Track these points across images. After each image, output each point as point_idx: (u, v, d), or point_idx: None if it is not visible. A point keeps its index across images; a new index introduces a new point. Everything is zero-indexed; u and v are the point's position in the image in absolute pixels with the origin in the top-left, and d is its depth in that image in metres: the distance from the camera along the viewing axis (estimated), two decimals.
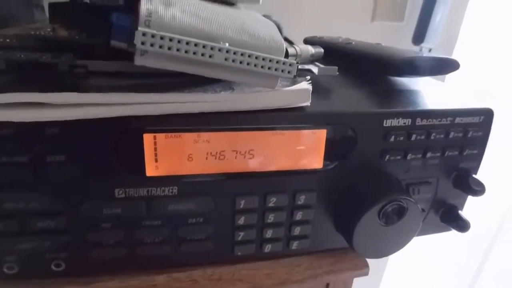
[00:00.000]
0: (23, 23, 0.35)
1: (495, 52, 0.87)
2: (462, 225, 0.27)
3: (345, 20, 0.74)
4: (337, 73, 0.26)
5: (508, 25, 0.84)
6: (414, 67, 0.26)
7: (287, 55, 0.27)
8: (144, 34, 0.14)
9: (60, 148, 0.19)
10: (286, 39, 0.58)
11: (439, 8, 0.72)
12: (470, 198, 0.28)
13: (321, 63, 0.29)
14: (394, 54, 0.28)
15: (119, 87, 0.20)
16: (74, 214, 0.21)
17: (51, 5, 0.23)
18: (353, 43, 0.34)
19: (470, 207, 0.29)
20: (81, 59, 0.21)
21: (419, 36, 0.75)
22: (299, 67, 0.26)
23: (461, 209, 0.28)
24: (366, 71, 0.30)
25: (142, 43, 0.14)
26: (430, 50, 0.78)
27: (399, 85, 0.29)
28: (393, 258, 1.00)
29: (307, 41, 0.42)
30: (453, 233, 0.29)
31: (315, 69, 0.26)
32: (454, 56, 0.84)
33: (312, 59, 0.29)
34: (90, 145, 0.20)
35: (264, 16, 0.51)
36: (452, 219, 0.27)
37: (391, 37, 0.78)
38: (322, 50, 0.30)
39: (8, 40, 0.21)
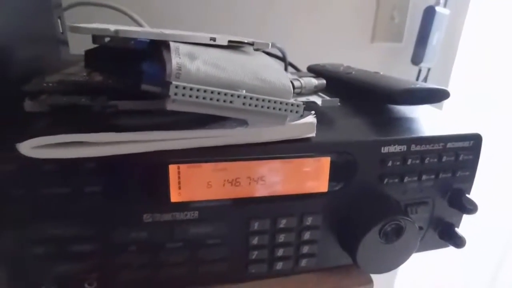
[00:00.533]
0: (50, 59, 0.39)
1: (493, 69, 0.90)
2: (458, 242, 0.29)
3: (346, 41, 0.77)
4: (339, 104, 0.29)
5: (504, 42, 0.87)
6: (409, 97, 0.29)
7: (293, 88, 0.30)
8: (177, 86, 0.17)
9: (96, 180, 0.22)
10: (290, 64, 0.62)
11: (436, 29, 0.75)
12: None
13: (324, 91, 0.32)
14: (391, 85, 0.31)
15: (147, 125, 0.22)
16: (107, 237, 0.24)
17: (86, 52, 0.26)
18: (353, 72, 0.37)
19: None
20: (112, 100, 0.24)
21: (417, 56, 0.78)
22: (305, 99, 0.29)
23: (458, 227, 0.30)
24: (366, 99, 0.33)
25: (175, 94, 0.17)
26: (429, 70, 0.81)
27: (396, 113, 0.32)
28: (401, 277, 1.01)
29: (310, 69, 0.45)
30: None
31: (318, 101, 0.29)
32: (453, 73, 0.87)
33: (316, 90, 0.32)
34: (122, 176, 0.22)
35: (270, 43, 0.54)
36: (449, 236, 0.30)
37: (390, 57, 0.81)
38: (324, 81, 0.32)
39: (50, 85, 0.24)
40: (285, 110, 0.20)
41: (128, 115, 0.24)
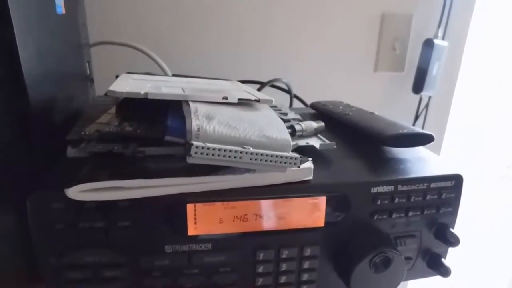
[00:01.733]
0: (81, 101, 0.44)
1: (492, 96, 0.93)
2: (444, 271, 0.32)
3: (350, 70, 0.82)
4: (335, 147, 0.33)
5: (502, 70, 0.90)
6: (397, 141, 0.33)
7: (294, 131, 0.34)
8: (196, 147, 0.21)
9: (127, 216, 0.26)
10: (296, 97, 0.66)
11: (435, 60, 0.79)
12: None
13: (323, 132, 0.36)
14: (383, 129, 0.34)
15: (170, 169, 0.27)
16: (135, 265, 0.28)
17: (117, 105, 0.31)
18: (350, 113, 0.41)
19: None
20: (141, 146, 0.29)
21: (418, 86, 0.82)
22: (305, 142, 0.33)
23: (444, 257, 0.33)
24: (360, 140, 0.37)
25: (195, 153, 0.22)
26: (430, 98, 0.85)
27: (387, 153, 0.35)
28: None
29: (313, 106, 0.50)
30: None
31: (317, 144, 0.33)
32: (454, 101, 0.90)
33: (316, 132, 0.36)
34: (149, 213, 0.27)
35: (276, 79, 0.59)
36: (436, 266, 0.33)
37: (393, 86, 0.85)
38: (323, 124, 0.36)
39: (88, 134, 0.29)
40: (285, 163, 0.24)
41: (154, 160, 0.28)
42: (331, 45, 0.78)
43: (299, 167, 0.24)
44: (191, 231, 0.28)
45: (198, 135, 0.22)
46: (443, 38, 0.80)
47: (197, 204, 0.27)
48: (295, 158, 0.24)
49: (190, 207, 0.27)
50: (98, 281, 0.28)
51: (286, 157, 0.24)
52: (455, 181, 0.31)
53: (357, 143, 0.37)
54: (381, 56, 0.83)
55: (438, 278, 0.34)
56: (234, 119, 0.25)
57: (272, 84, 0.61)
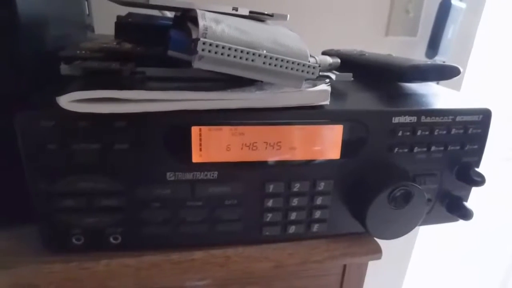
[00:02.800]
0: (79, 37, 0.41)
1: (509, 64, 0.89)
2: (465, 214, 0.30)
3: (360, 34, 0.78)
4: (352, 79, 0.30)
5: None
6: (418, 73, 0.30)
7: None
8: (204, 43, 0.19)
9: (125, 138, 0.24)
10: None
11: (451, 23, 0.76)
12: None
13: (338, 70, 0.33)
14: (401, 62, 0.32)
15: (171, 89, 0.24)
16: (133, 193, 0.25)
17: (116, 24, 0.28)
18: (367, 54, 0.38)
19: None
20: (140, 67, 0.26)
21: (432, 50, 0.78)
22: (320, 73, 0.30)
23: (466, 201, 0.31)
24: (377, 78, 0.34)
25: (202, 50, 0.19)
26: (443, 63, 0.81)
27: (408, 89, 0.33)
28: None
29: (324, 54, 0.47)
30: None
31: (332, 76, 0.30)
32: (469, 69, 0.87)
33: (330, 68, 0.33)
34: (149, 136, 0.24)
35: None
36: (457, 209, 0.30)
37: (404, 51, 0.82)
38: (338, 60, 0.34)
39: (83, 52, 0.26)
40: (302, 71, 0.21)
41: (155, 81, 0.26)
42: (340, 8, 0.74)
43: (317, 77, 0.22)
44: (195, 158, 0.25)
45: (206, 34, 0.20)
46: (460, 0, 0.76)
47: (203, 128, 0.25)
48: (313, 67, 0.21)
49: (195, 130, 0.25)
50: (93, 210, 0.25)
51: (303, 65, 0.21)
52: (483, 116, 0.29)
53: (375, 81, 0.34)
54: (393, 20, 0.79)
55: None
56: (245, 25, 0.22)
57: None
